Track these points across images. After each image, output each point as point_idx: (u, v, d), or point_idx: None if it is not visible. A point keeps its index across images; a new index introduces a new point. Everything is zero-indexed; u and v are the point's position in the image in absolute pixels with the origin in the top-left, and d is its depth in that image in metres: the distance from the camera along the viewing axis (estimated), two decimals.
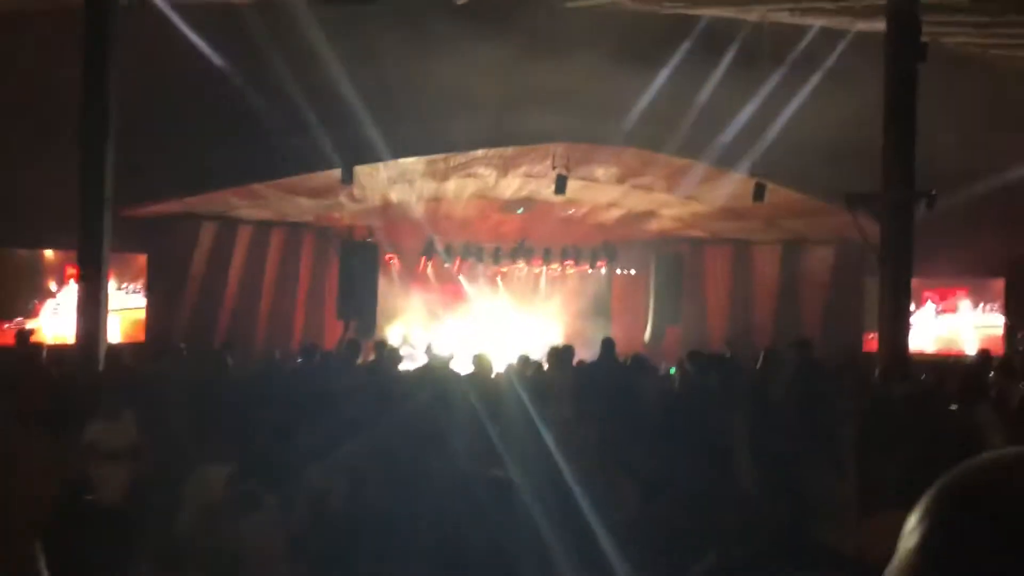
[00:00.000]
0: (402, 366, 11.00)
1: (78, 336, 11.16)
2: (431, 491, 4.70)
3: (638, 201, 16.55)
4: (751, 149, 13.56)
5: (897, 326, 11.53)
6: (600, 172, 14.85)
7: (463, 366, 10.22)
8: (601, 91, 13.25)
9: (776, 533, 4.64)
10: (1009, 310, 16.33)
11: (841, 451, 5.22)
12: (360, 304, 16.40)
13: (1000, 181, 13.59)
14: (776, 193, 14.19)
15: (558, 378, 9.57)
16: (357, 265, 16.54)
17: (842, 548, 3.72)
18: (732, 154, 13.62)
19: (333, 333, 15.55)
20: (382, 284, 17.45)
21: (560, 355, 9.99)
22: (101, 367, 10.26)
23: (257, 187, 13.83)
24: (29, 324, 13.17)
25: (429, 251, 18.35)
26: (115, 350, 10.96)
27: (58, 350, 11.28)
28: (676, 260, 18.38)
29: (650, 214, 17.29)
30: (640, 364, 10.29)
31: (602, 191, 15.99)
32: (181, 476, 3.98)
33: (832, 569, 3.40)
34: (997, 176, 13.56)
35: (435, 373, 9.56)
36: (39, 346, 9.95)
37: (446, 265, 18.80)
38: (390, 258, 18.50)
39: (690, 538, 3.69)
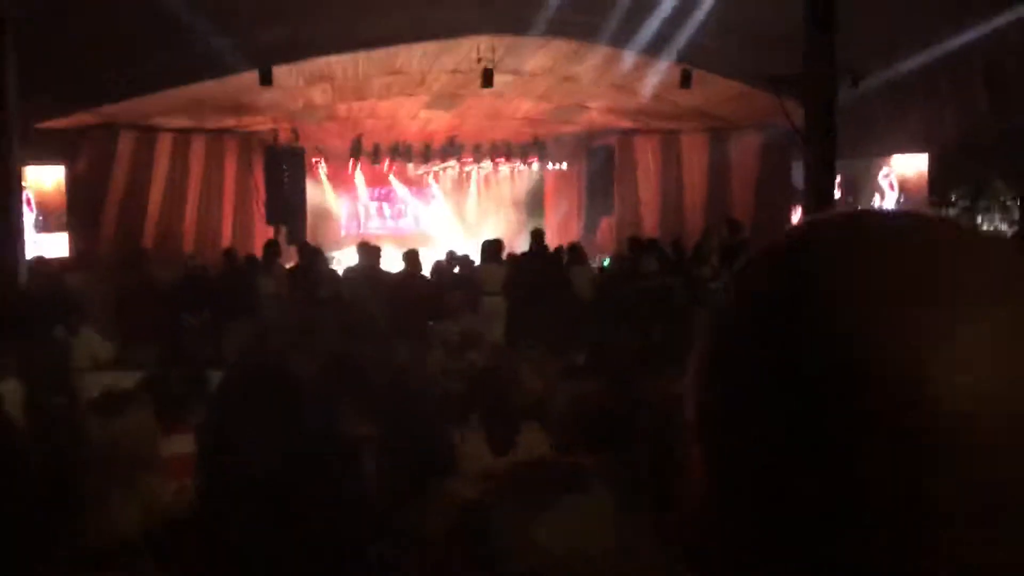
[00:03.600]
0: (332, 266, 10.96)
1: None
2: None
3: (567, 94, 16.38)
4: (677, 35, 13.43)
5: (822, 206, 11.69)
6: (528, 65, 14.63)
7: (393, 264, 10.22)
8: None
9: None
10: (932, 186, 16.60)
11: None
12: (289, 209, 16.20)
13: (923, 59, 13.72)
14: (702, 79, 14.14)
15: (489, 270, 9.65)
16: (284, 170, 16.26)
17: None
18: (659, 41, 13.48)
19: (264, 239, 15.29)
20: (310, 187, 17.20)
21: (491, 248, 10.11)
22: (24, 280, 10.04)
23: (174, 93, 13.37)
24: None
25: (356, 152, 18.07)
26: (41, 262, 10.79)
27: None
28: (606, 152, 18.34)
29: (579, 107, 17.14)
30: (573, 252, 10.50)
31: (531, 84, 15.79)
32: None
33: None
34: (920, 55, 13.68)
35: (364, 271, 9.53)
36: None
37: (375, 166, 18.58)
38: (317, 161, 18.20)
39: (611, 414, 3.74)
